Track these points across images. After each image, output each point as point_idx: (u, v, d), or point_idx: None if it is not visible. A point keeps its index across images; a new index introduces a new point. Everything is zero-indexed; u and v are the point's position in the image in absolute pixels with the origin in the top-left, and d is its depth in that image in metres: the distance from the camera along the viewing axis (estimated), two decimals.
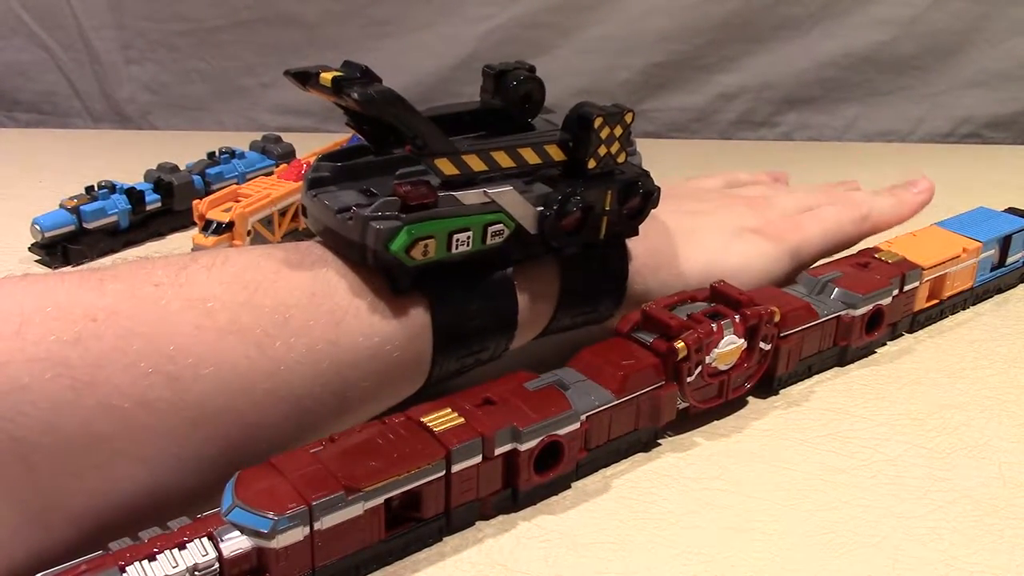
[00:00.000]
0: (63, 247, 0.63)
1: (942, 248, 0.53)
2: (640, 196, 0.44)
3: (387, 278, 0.38)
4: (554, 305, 0.43)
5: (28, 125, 1.02)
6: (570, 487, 0.40)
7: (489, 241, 0.40)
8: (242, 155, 0.74)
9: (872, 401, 0.46)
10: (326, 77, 0.37)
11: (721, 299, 0.45)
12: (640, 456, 0.42)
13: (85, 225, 0.63)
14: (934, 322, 0.54)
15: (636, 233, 0.45)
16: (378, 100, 0.36)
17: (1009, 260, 0.57)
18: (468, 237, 0.39)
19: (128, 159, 0.79)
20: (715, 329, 0.42)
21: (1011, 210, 0.59)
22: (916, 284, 0.52)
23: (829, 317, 0.48)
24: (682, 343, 0.41)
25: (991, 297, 0.58)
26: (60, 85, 1.01)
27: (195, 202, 0.61)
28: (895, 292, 0.50)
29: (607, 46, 0.97)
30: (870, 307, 0.49)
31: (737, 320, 0.43)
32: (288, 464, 0.34)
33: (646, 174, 0.44)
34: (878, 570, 0.35)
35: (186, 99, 1.01)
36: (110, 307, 0.33)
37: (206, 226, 0.60)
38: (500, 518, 0.38)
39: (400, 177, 0.38)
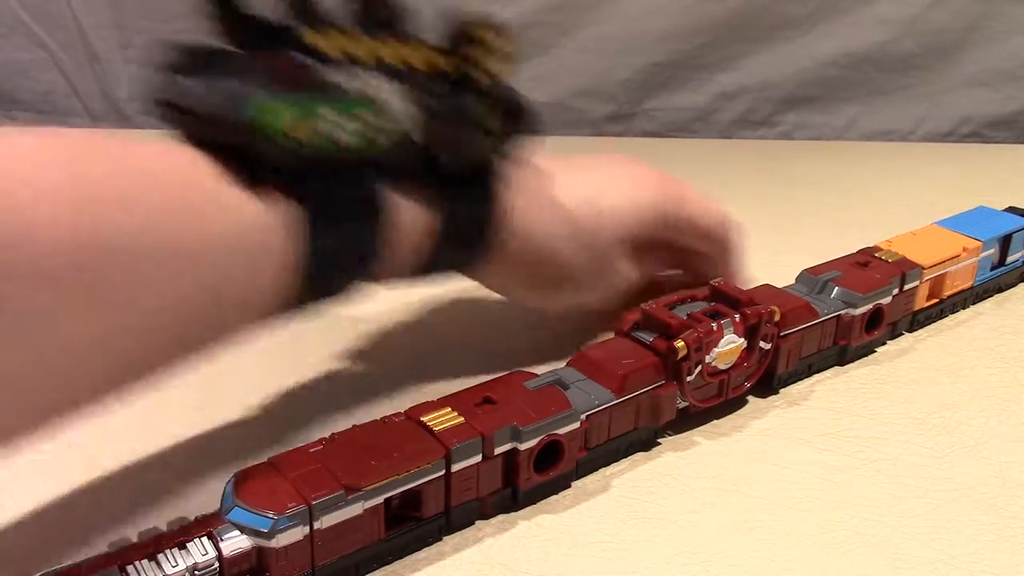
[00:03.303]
0: None
1: (942, 247, 0.53)
2: (517, 113, 0.42)
3: (250, 163, 0.35)
4: (433, 229, 0.41)
5: (27, 125, 1.02)
6: (570, 486, 0.40)
7: (363, 134, 0.37)
8: None
9: (872, 401, 0.46)
10: None
11: (721, 298, 0.45)
12: (640, 456, 0.42)
13: None
14: (934, 321, 0.54)
15: (516, 159, 0.43)
16: None
17: (1009, 259, 0.57)
18: (338, 121, 0.36)
19: None
20: (715, 328, 0.42)
21: (1011, 209, 0.59)
22: (916, 283, 0.51)
23: (829, 316, 0.48)
24: (682, 342, 0.41)
25: (991, 296, 0.58)
26: (59, 84, 1.01)
27: None
28: (895, 291, 0.50)
29: (607, 46, 0.97)
30: (870, 306, 0.49)
31: (737, 319, 0.43)
32: (288, 463, 0.34)
33: (520, 94, 0.42)
34: (878, 570, 0.35)
35: None
36: None
37: None
38: (500, 518, 0.38)
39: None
